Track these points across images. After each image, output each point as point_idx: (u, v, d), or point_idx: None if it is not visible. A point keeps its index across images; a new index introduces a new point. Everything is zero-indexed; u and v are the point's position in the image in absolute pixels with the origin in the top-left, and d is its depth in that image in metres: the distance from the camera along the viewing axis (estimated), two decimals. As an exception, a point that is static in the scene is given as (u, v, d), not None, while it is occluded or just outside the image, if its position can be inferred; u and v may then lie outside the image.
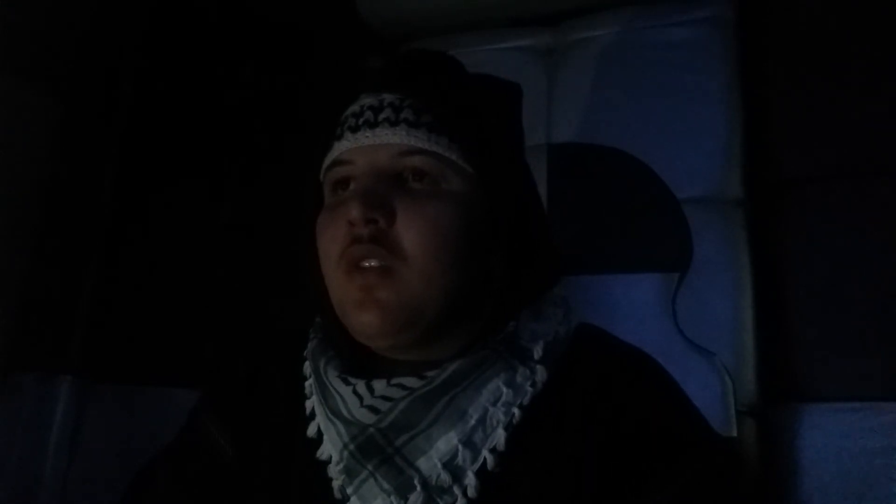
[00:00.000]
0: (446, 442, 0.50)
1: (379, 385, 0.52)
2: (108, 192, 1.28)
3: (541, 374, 0.53)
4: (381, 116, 0.53)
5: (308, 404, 0.57)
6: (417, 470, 0.50)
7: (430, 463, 0.50)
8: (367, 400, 0.51)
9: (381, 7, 1.36)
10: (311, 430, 0.55)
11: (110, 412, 1.23)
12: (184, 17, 1.42)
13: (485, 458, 0.50)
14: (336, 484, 0.52)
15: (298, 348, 0.61)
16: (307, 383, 0.58)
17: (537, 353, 0.53)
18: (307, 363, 0.59)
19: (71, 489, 1.17)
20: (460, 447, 0.50)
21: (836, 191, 1.08)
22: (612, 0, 1.28)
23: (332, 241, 0.53)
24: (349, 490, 0.51)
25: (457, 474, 0.50)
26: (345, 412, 0.52)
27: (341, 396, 0.53)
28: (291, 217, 1.45)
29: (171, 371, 1.29)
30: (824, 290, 1.04)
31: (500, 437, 0.51)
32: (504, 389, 0.51)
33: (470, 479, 0.50)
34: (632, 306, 1.09)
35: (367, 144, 0.53)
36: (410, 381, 0.51)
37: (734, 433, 0.99)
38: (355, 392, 0.52)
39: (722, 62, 1.18)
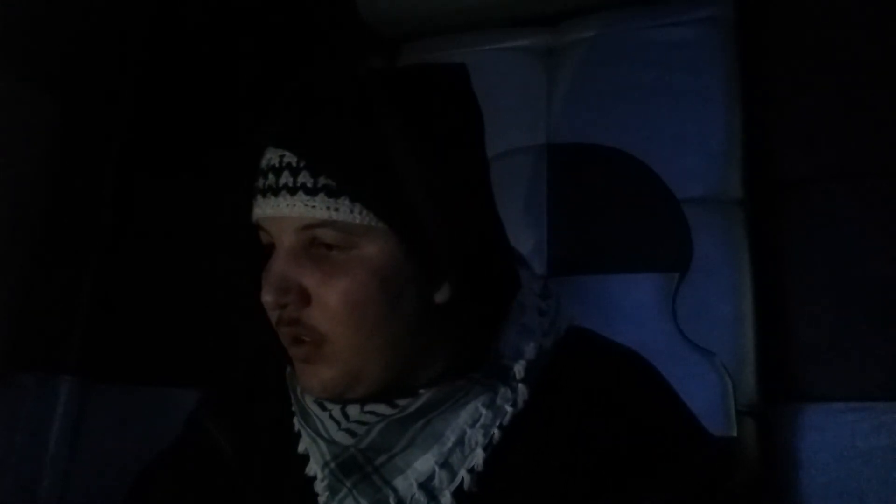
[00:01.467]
0: (423, 463, 0.50)
1: (353, 411, 0.52)
2: (108, 192, 1.28)
3: (522, 393, 0.52)
4: (281, 182, 0.50)
5: (296, 422, 0.57)
6: (394, 489, 0.50)
7: (407, 483, 0.50)
8: (344, 424, 0.52)
9: (381, 7, 1.36)
10: (301, 448, 0.56)
11: (110, 412, 1.23)
12: (184, 17, 1.42)
13: (462, 479, 0.50)
14: (321, 499, 0.53)
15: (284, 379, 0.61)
16: (294, 405, 0.58)
17: (519, 372, 0.52)
18: (290, 382, 0.59)
19: (71, 489, 1.17)
20: (437, 468, 0.50)
21: (836, 191, 1.08)
22: (612, 0, 1.28)
23: (268, 309, 0.52)
24: None
25: (433, 494, 0.50)
26: (324, 434, 0.53)
27: (320, 420, 0.53)
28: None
29: (171, 371, 1.29)
30: (824, 290, 1.04)
31: (478, 457, 0.50)
32: (483, 411, 0.51)
33: (446, 500, 0.50)
34: (632, 306, 1.08)
35: (271, 216, 0.51)
36: (382, 409, 0.51)
37: (734, 433, 0.99)
38: (332, 417, 0.53)
39: (722, 62, 1.18)
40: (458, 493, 0.50)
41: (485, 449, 0.50)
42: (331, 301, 0.49)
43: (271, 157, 0.52)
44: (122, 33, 1.32)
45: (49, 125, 1.16)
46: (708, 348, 1.03)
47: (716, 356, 1.03)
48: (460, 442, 0.50)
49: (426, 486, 0.50)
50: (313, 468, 0.54)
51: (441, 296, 0.51)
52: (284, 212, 0.49)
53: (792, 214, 1.10)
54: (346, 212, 0.48)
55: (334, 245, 0.49)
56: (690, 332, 1.05)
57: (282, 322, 0.51)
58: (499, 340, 0.53)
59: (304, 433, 0.55)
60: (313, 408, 0.54)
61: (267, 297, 0.50)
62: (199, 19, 1.45)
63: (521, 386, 0.52)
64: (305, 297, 0.50)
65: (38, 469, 1.14)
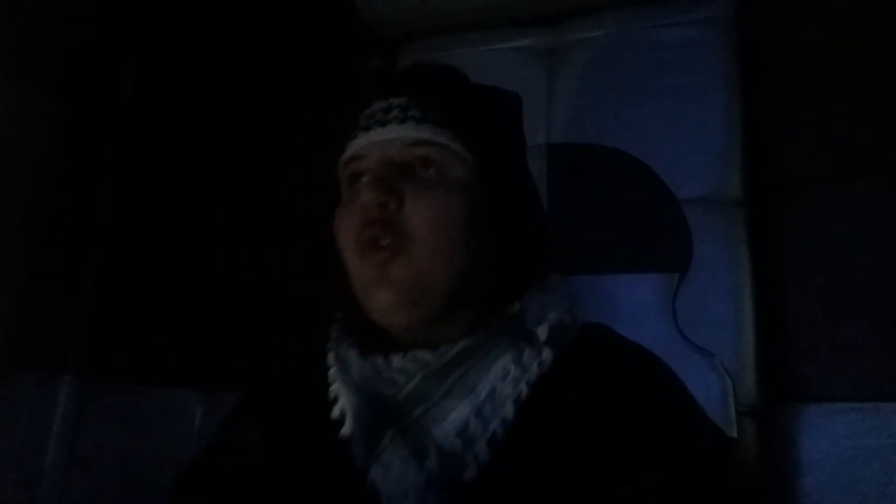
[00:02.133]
0: (458, 413, 0.54)
1: (396, 359, 0.57)
2: (109, 193, 1.28)
3: (546, 354, 0.57)
4: (391, 115, 0.60)
5: (332, 390, 0.61)
6: (432, 437, 0.54)
7: (444, 432, 0.54)
8: (386, 373, 0.57)
9: (381, 7, 1.36)
10: (335, 412, 0.59)
11: (110, 412, 1.23)
12: (184, 18, 1.42)
13: (495, 430, 0.54)
14: (358, 456, 0.56)
15: (319, 354, 0.66)
16: (330, 372, 0.62)
17: (542, 335, 0.58)
18: (330, 354, 0.63)
19: (71, 489, 1.17)
20: (472, 418, 0.54)
21: (836, 191, 1.08)
22: (612, 0, 1.28)
23: (348, 227, 0.59)
24: (370, 460, 0.55)
25: (468, 442, 0.54)
26: (366, 387, 0.58)
27: (362, 372, 0.58)
28: (290, 218, 1.45)
29: (171, 371, 1.29)
30: (824, 290, 1.04)
31: (508, 409, 0.55)
32: (512, 367, 0.56)
33: (480, 447, 0.53)
34: (632, 306, 1.09)
35: (378, 140, 0.60)
36: (424, 355, 0.57)
37: (734, 433, 0.99)
38: (375, 367, 0.58)
39: (722, 62, 1.18)
40: (489, 443, 0.54)
41: (515, 403, 0.55)
42: (425, 206, 0.57)
43: (378, 104, 0.62)
44: (122, 34, 1.32)
45: (49, 126, 1.16)
46: (708, 348, 1.03)
47: (716, 356, 1.03)
48: (491, 395, 0.55)
49: (462, 434, 0.54)
50: (349, 428, 0.58)
51: (493, 243, 0.60)
52: (393, 134, 0.59)
53: (792, 214, 1.10)
54: (448, 137, 0.59)
55: (433, 162, 0.59)
56: (690, 333, 1.05)
57: (372, 223, 0.57)
58: (521, 308, 0.59)
59: (343, 394, 0.60)
60: (357, 361, 0.59)
61: (367, 198, 0.57)
62: (199, 19, 1.45)
63: (545, 349, 0.57)
64: (401, 201, 0.57)
65: (38, 469, 1.14)
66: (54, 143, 1.17)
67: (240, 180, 1.44)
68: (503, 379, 0.56)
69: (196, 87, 1.44)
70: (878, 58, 1.09)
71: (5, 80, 1.08)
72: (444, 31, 1.39)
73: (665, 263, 1.09)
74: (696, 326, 1.05)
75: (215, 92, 1.47)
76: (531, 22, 1.35)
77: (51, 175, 1.17)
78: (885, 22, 1.09)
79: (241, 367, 1.32)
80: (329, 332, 0.66)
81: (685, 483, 0.53)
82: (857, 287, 1.02)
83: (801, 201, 1.10)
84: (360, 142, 0.61)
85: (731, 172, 1.13)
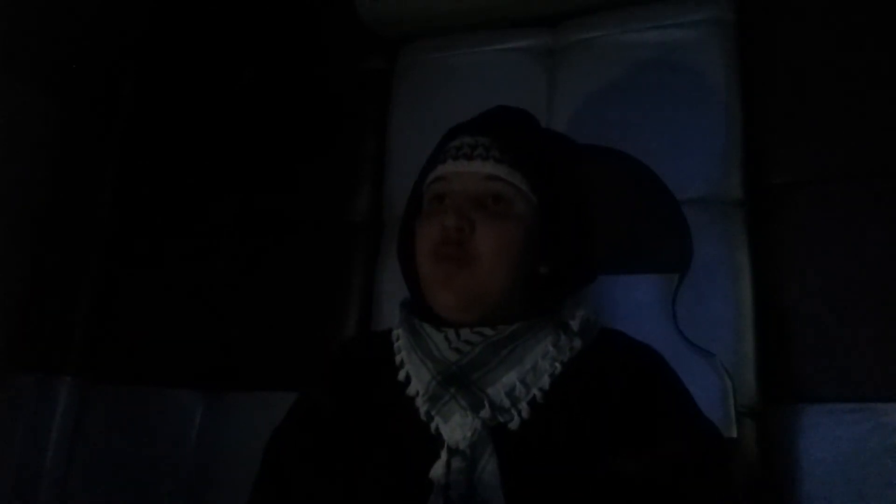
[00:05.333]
0: (508, 378, 0.69)
1: (464, 331, 0.71)
2: (109, 193, 1.28)
3: (577, 342, 0.72)
4: (476, 152, 0.74)
5: (397, 359, 0.75)
6: (487, 395, 0.68)
7: (496, 391, 0.68)
8: (455, 343, 0.70)
9: (381, 7, 1.36)
10: (401, 375, 0.73)
11: (110, 412, 1.23)
12: (183, 18, 1.43)
13: (534, 394, 0.69)
14: (423, 409, 0.70)
15: (378, 338, 0.81)
16: (396, 345, 0.76)
17: (575, 326, 0.73)
18: (396, 331, 0.78)
19: (71, 489, 1.17)
20: (517, 383, 0.69)
21: (836, 192, 1.08)
22: (612, 1, 1.28)
23: (428, 238, 0.73)
24: (433, 412, 0.69)
25: (514, 401, 0.68)
26: (436, 353, 0.71)
27: (433, 341, 0.72)
28: (290, 218, 1.45)
29: (171, 371, 1.30)
30: (824, 290, 1.04)
31: (545, 381, 0.69)
32: (550, 348, 0.71)
33: (523, 406, 0.68)
34: (632, 307, 1.09)
35: (463, 170, 0.73)
36: (487, 330, 0.71)
37: (734, 434, 0.99)
38: (446, 338, 0.71)
39: (721, 63, 1.18)
40: (530, 403, 0.68)
41: (550, 376, 0.69)
42: (491, 235, 0.71)
43: (466, 139, 0.75)
44: (122, 33, 1.32)
45: (49, 125, 1.16)
46: (708, 348, 1.03)
47: (716, 357, 1.03)
48: (533, 368, 0.70)
49: (510, 395, 0.68)
50: (414, 388, 0.72)
51: (543, 269, 0.75)
52: (476, 168, 0.73)
53: (791, 215, 1.10)
54: (519, 179, 0.73)
55: (503, 198, 0.72)
56: (690, 333, 1.05)
57: (447, 241, 0.71)
58: (562, 305, 0.75)
59: (410, 361, 0.73)
60: (430, 331, 0.72)
61: (449, 221, 0.70)
62: (199, 19, 1.45)
63: (576, 338, 0.72)
64: (473, 227, 0.71)
65: (38, 469, 1.14)
66: (54, 143, 1.17)
67: (240, 180, 1.44)
68: (543, 357, 0.70)
69: (195, 88, 1.44)
70: (878, 58, 1.10)
71: (5, 80, 1.08)
72: (444, 31, 1.39)
73: (665, 264, 1.09)
74: (696, 326, 1.05)
75: (215, 92, 1.47)
76: (531, 22, 1.35)
77: (50, 174, 1.17)
78: (886, 22, 1.10)
79: (241, 368, 1.33)
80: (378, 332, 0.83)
81: (676, 461, 0.67)
82: (856, 287, 1.02)
83: (801, 201, 1.10)
84: (448, 168, 0.74)
85: (730, 173, 1.13)
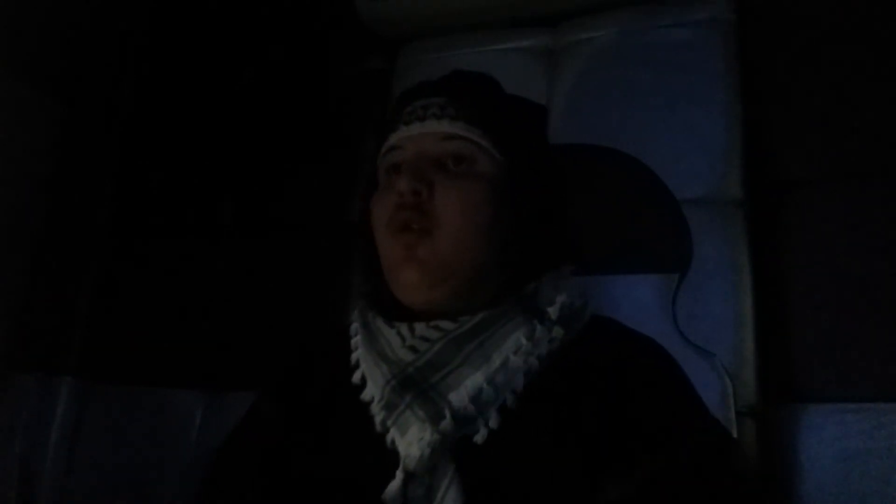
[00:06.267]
0: (473, 380, 0.58)
1: (419, 326, 0.61)
2: (109, 193, 1.28)
3: (557, 332, 0.61)
4: (429, 112, 0.65)
5: (353, 357, 0.66)
6: (448, 402, 0.58)
7: (459, 396, 0.58)
8: (409, 340, 0.61)
9: (381, 7, 1.36)
10: (356, 377, 0.64)
11: (110, 412, 1.23)
12: (184, 18, 1.43)
13: (505, 398, 0.59)
14: (378, 419, 0.60)
15: (339, 333, 0.71)
16: (353, 341, 0.67)
17: (553, 313, 0.62)
18: (353, 325, 0.69)
19: (71, 489, 1.17)
20: (485, 385, 0.58)
21: (836, 192, 1.08)
22: (612, 1, 1.28)
23: (383, 209, 0.64)
24: (389, 422, 0.59)
25: (481, 408, 0.58)
26: (389, 353, 0.61)
27: (387, 339, 0.63)
28: (290, 219, 1.45)
29: (171, 372, 1.30)
30: (824, 290, 1.04)
31: (519, 381, 0.59)
32: (524, 341, 0.60)
33: (492, 413, 0.58)
34: (632, 307, 1.08)
35: (416, 133, 0.65)
36: (446, 324, 0.61)
37: (734, 434, 0.99)
38: (399, 333, 0.62)
39: (722, 63, 1.18)
40: (500, 410, 0.58)
41: (525, 375, 0.59)
42: (452, 196, 0.62)
43: (418, 102, 0.67)
44: (123, 34, 1.33)
45: (49, 126, 1.17)
46: (708, 349, 1.03)
47: (715, 357, 1.03)
48: (504, 366, 0.59)
49: (476, 400, 0.58)
50: (369, 392, 0.62)
51: (516, 232, 0.64)
52: (430, 128, 0.65)
53: (792, 214, 1.10)
54: (478, 135, 0.64)
55: (464, 157, 0.64)
56: (690, 333, 1.05)
57: (404, 207, 0.62)
58: (536, 289, 0.64)
59: (365, 361, 0.64)
60: (383, 328, 0.64)
61: (402, 184, 0.61)
62: (199, 19, 1.45)
63: (556, 327, 0.62)
64: (432, 189, 0.62)
65: (38, 469, 1.14)
66: (54, 143, 1.17)
67: (239, 180, 1.44)
68: (515, 352, 0.60)
69: (196, 87, 1.44)
70: (878, 58, 1.09)
71: (5, 80, 1.08)
72: (444, 31, 1.39)
73: (665, 264, 1.09)
74: (695, 326, 1.05)
75: (215, 92, 1.47)
76: (531, 22, 1.35)
77: (51, 175, 1.17)
78: (885, 22, 1.09)
79: (241, 368, 1.33)
80: (338, 328, 0.71)
81: (684, 467, 0.56)
82: (857, 287, 1.02)
83: (801, 201, 1.10)
84: (400, 134, 0.66)
85: (731, 172, 1.13)
